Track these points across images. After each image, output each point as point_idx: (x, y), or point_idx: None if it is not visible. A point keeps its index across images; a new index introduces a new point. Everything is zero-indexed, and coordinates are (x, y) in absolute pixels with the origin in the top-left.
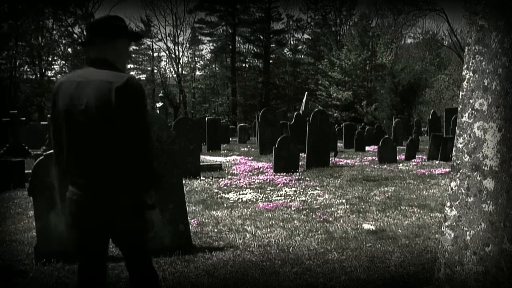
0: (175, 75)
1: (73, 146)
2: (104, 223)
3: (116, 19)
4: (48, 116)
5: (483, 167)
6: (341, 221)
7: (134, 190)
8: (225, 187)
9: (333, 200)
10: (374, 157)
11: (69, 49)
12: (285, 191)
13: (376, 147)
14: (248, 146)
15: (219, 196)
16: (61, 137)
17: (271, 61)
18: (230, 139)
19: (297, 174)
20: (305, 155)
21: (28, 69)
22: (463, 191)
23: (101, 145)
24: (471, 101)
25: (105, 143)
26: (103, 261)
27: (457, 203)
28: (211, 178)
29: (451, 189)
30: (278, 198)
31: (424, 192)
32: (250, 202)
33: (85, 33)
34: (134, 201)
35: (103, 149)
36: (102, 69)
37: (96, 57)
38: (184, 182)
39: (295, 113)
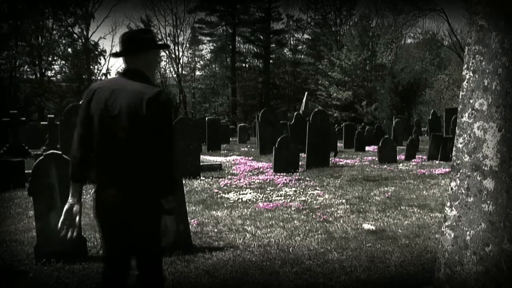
0: (175, 75)
1: (103, 148)
2: (125, 219)
3: (147, 32)
4: (49, 116)
5: (483, 167)
6: (341, 221)
7: (154, 194)
8: (225, 187)
9: (333, 200)
10: (374, 157)
11: (69, 49)
12: (285, 191)
13: (376, 147)
14: (248, 146)
15: (219, 196)
16: (88, 138)
17: (271, 61)
18: (230, 139)
19: (297, 174)
20: (305, 155)
21: (28, 69)
22: (463, 191)
23: (129, 149)
24: (471, 101)
25: (133, 148)
26: (127, 266)
27: (457, 203)
28: (211, 178)
29: (451, 189)
30: (278, 198)
31: (424, 192)
32: (250, 202)
33: (118, 43)
34: (153, 203)
35: (130, 153)
36: (135, 79)
37: (128, 68)
38: (184, 182)
39: (295, 113)
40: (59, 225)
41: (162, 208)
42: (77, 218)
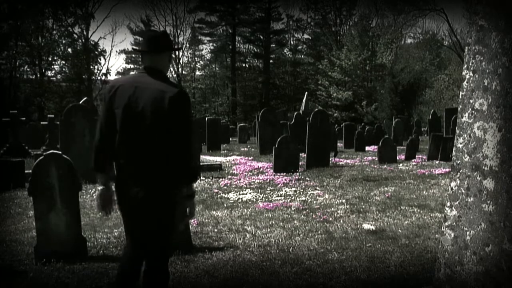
0: (175, 75)
1: (126, 140)
2: (143, 206)
3: (168, 35)
4: (49, 116)
5: (483, 167)
6: (341, 221)
7: (173, 183)
8: (225, 187)
9: (333, 200)
10: (374, 157)
11: (69, 49)
12: (285, 191)
13: (376, 147)
14: (248, 146)
15: (219, 196)
16: (111, 131)
17: (271, 61)
18: (230, 139)
19: (297, 174)
20: (305, 155)
21: (28, 69)
22: (463, 191)
23: (151, 143)
24: (471, 101)
25: (155, 141)
26: (142, 254)
27: (457, 203)
28: (211, 178)
29: (451, 189)
30: (278, 198)
31: (424, 192)
32: (250, 202)
33: (141, 41)
34: (172, 192)
35: (152, 146)
36: (156, 77)
37: (149, 65)
38: None
39: (295, 113)
40: (97, 209)
41: (184, 194)
42: (110, 200)
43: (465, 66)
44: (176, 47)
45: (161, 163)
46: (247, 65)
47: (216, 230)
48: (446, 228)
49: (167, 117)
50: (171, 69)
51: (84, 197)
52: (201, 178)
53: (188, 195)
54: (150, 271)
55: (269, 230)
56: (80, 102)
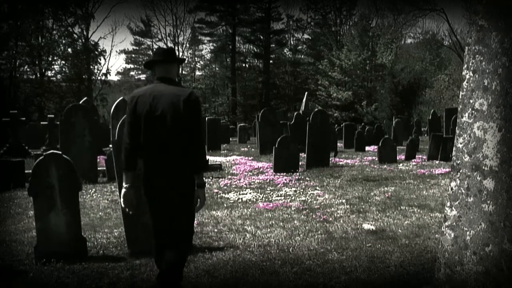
0: None
1: (150, 139)
2: (167, 193)
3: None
4: (49, 116)
5: (483, 167)
6: (341, 221)
7: (190, 171)
8: (225, 187)
9: (333, 200)
10: (374, 157)
11: (69, 49)
12: (285, 191)
13: (376, 147)
14: (248, 146)
15: (219, 196)
16: (137, 134)
17: (271, 61)
18: (230, 139)
19: (297, 174)
20: (305, 155)
21: (28, 69)
22: (463, 191)
23: (171, 138)
24: (471, 101)
25: (173, 137)
26: (175, 239)
27: (457, 203)
28: (211, 178)
29: (451, 189)
30: (278, 198)
31: (424, 192)
32: (250, 202)
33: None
34: (189, 179)
35: (172, 140)
36: (170, 84)
37: (163, 75)
38: None
39: (295, 113)
40: (122, 207)
41: (196, 182)
42: (133, 199)
43: (465, 66)
44: (184, 58)
45: (180, 156)
46: (247, 65)
47: (216, 230)
48: (446, 228)
49: (182, 115)
50: None
51: (84, 197)
52: None
53: (200, 185)
54: (172, 252)
55: (269, 230)
56: (80, 102)
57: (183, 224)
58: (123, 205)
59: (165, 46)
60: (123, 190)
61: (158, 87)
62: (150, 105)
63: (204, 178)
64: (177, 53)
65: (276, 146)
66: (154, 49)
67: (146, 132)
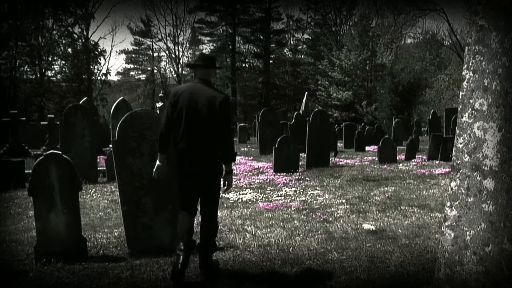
0: (175, 75)
1: (188, 129)
2: (198, 177)
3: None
4: (49, 116)
5: (483, 167)
6: (341, 221)
7: (219, 159)
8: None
9: (333, 200)
10: (374, 157)
11: (69, 49)
12: (285, 191)
13: (376, 147)
14: (248, 146)
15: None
16: (174, 123)
17: (271, 61)
18: None
19: (297, 174)
20: (305, 155)
21: (28, 69)
22: (463, 191)
23: (206, 131)
24: (471, 101)
25: (208, 130)
26: (195, 208)
27: (457, 203)
28: None
29: (451, 189)
30: (278, 198)
31: (424, 192)
32: (250, 202)
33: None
34: (218, 164)
35: (207, 133)
36: (207, 86)
37: (203, 77)
38: None
39: (295, 113)
40: (153, 174)
41: (226, 170)
42: (164, 172)
43: (465, 66)
44: (219, 66)
45: (212, 145)
46: (247, 65)
47: None
48: (446, 228)
49: (217, 113)
50: (171, 69)
51: (84, 197)
52: None
53: (228, 171)
54: (205, 223)
55: (269, 230)
56: (80, 102)
57: (212, 200)
58: (155, 176)
59: (207, 53)
60: (157, 165)
61: (197, 86)
62: (190, 100)
63: (232, 166)
64: (216, 61)
65: (276, 146)
66: (197, 54)
67: (186, 123)
